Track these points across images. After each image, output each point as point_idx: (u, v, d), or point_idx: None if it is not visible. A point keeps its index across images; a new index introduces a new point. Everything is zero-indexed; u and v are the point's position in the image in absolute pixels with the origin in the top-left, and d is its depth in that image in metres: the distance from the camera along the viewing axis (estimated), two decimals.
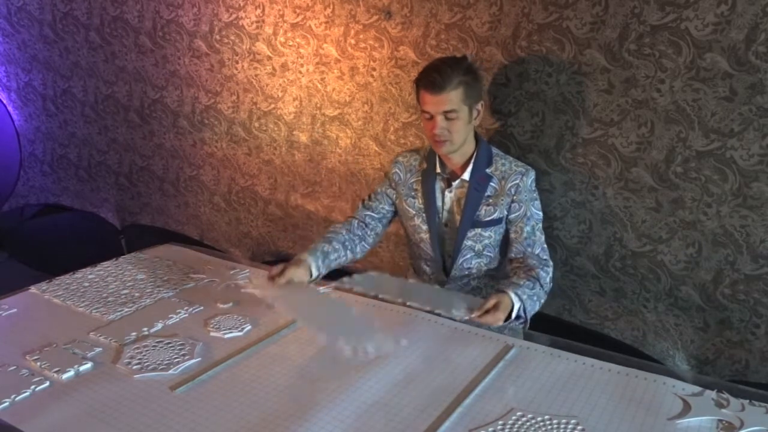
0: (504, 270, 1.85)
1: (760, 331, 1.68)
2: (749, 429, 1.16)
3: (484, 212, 1.73)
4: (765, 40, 1.47)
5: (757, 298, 1.66)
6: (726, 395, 1.26)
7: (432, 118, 1.64)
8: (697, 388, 1.29)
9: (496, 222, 1.75)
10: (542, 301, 1.68)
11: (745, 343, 1.72)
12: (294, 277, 1.60)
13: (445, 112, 1.62)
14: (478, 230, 1.75)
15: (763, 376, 1.71)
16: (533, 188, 1.75)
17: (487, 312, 1.52)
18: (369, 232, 1.83)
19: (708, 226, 1.68)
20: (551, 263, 1.74)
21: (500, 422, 1.20)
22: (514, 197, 1.72)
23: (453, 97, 1.61)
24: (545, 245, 1.76)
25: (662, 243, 1.77)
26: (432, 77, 1.61)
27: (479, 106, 1.69)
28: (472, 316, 1.52)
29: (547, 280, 1.70)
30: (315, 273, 1.65)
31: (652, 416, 1.21)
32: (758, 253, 1.63)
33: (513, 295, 1.57)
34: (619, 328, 1.94)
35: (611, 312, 1.94)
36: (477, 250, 1.78)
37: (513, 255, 1.76)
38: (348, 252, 1.76)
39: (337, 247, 1.73)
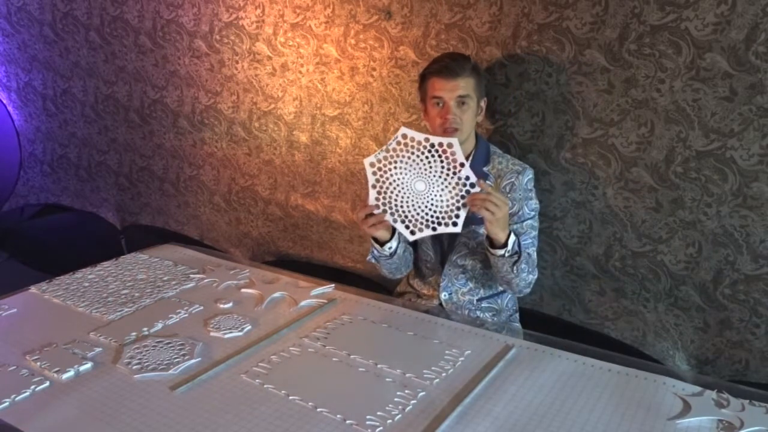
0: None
1: (760, 331, 1.68)
2: (749, 429, 1.16)
3: None
4: (765, 40, 1.47)
5: (757, 298, 1.66)
6: (726, 395, 1.26)
7: (443, 105, 1.66)
8: (697, 388, 1.29)
9: None
10: (531, 276, 1.70)
11: (745, 343, 1.72)
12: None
13: (460, 97, 1.65)
14: (473, 227, 1.74)
15: (763, 376, 1.71)
16: (529, 187, 1.74)
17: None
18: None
19: (708, 226, 1.68)
20: (536, 269, 1.73)
21: (500, 422, 1.20)
22: (509, 195, 1.71)
23: (466, 84, 1.65)
24: (536, 246, 1.75)
25: (662, 243, 1.77)
26: (446, 63, 1.65)
27: (483, 103, 1.74)
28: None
29: (530, 279, 1.70)
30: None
31: (652, 416, 1.21)
32: (758, 253, 1.63)
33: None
34: (619, 328, 1.94)
35: (611, 312, 1.94)
36: (471, 246, 1.78)
37: None
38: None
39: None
